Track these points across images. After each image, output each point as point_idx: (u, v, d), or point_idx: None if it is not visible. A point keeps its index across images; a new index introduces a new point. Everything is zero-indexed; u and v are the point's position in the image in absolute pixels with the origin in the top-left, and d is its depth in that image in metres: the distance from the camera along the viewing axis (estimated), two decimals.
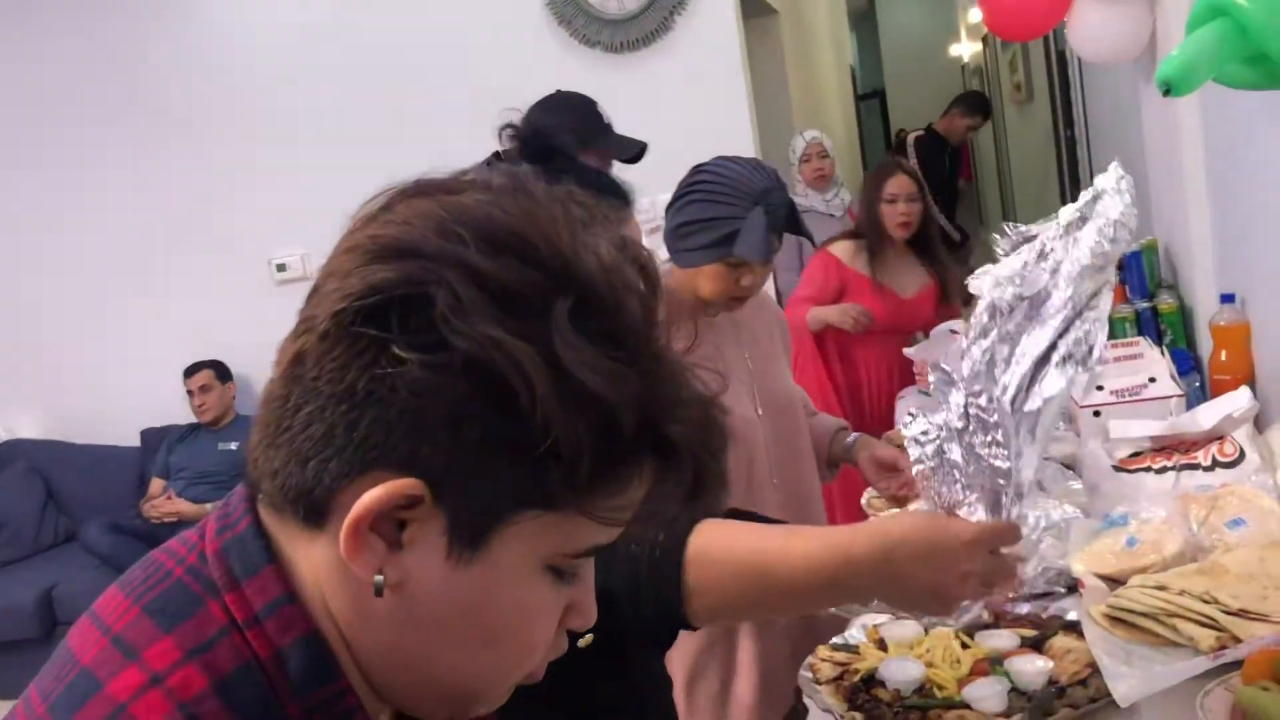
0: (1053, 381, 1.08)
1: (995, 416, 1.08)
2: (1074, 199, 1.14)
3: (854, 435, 2.15)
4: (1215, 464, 1.98)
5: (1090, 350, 1.07)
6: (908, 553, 1.00)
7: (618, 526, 0.66)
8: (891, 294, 3.74)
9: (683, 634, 1.36)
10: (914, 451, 1.17)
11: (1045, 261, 1.10)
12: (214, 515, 0.67)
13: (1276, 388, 2.28)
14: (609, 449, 0.61)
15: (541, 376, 0.58)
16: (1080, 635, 1.66)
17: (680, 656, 1.93)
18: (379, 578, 0.61)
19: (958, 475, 1.16)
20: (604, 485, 0.63)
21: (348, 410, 0.59)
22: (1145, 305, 3.00)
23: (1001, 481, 1.12)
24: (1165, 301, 2.97)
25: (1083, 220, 1.10)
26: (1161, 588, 1.60)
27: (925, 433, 1.19)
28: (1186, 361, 2.71)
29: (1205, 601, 1.55)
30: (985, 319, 1.13)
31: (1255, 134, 2.18)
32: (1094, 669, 1.57)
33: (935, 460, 1.16)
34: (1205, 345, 2.67)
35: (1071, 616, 1.77)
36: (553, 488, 0.61)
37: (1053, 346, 1.07)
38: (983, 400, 1.09)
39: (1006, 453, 1.09)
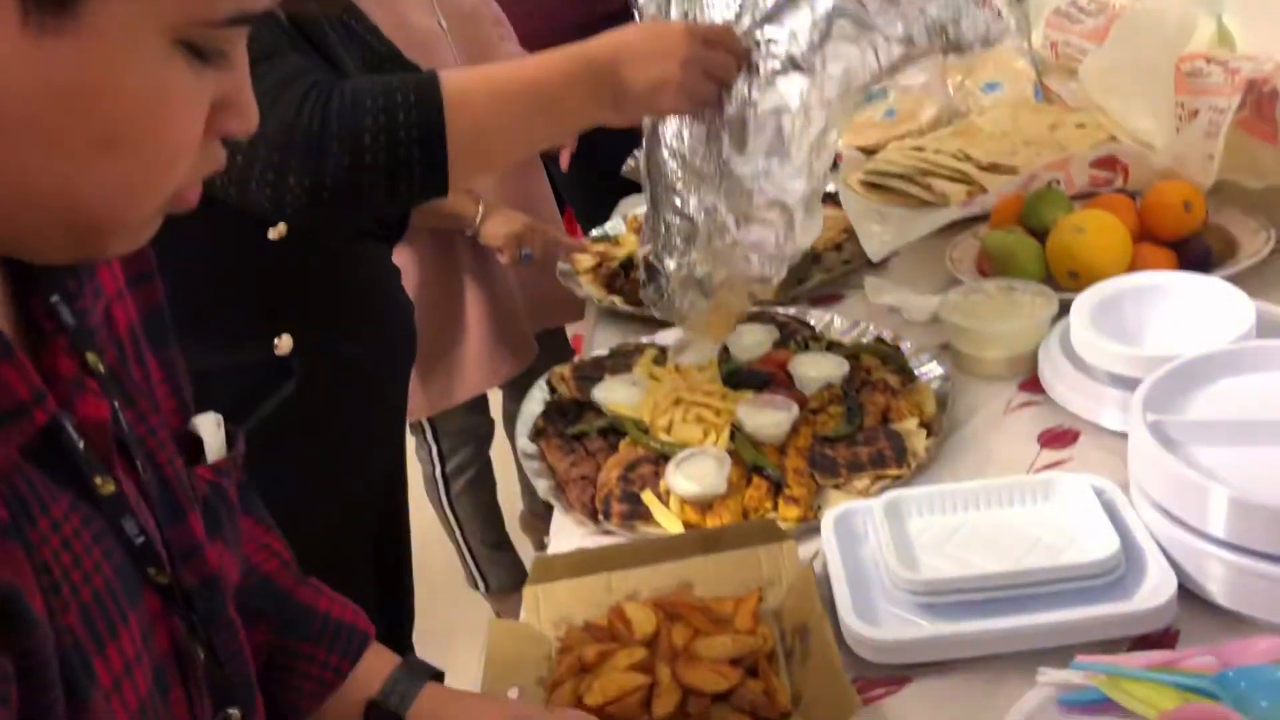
0: None
1: None
2: None
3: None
4: None
5: None
6: (635, 50, 1.02)
7: None
8: None
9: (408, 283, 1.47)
10: None
11: None
12: None
13: None
14: None
15: None
16: (838, 205, 1.63)
17: (420, 308, 1.80)
18: None
19: None
20: None
21: None
22: None
23: None
24: None
25: None
26: (918, 149, 1.58)
27: None
28: None
29: (958, 159, 1.53)
30: None
31: None
32: (849, 234, 1.55)
33: None
34: None
35: (830, 189, 1.74)
36: None
37: None
38: None
39: None
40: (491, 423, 2.17)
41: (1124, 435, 1.04)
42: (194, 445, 0.67)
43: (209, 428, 0.68)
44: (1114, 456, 1.04)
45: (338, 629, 0.79)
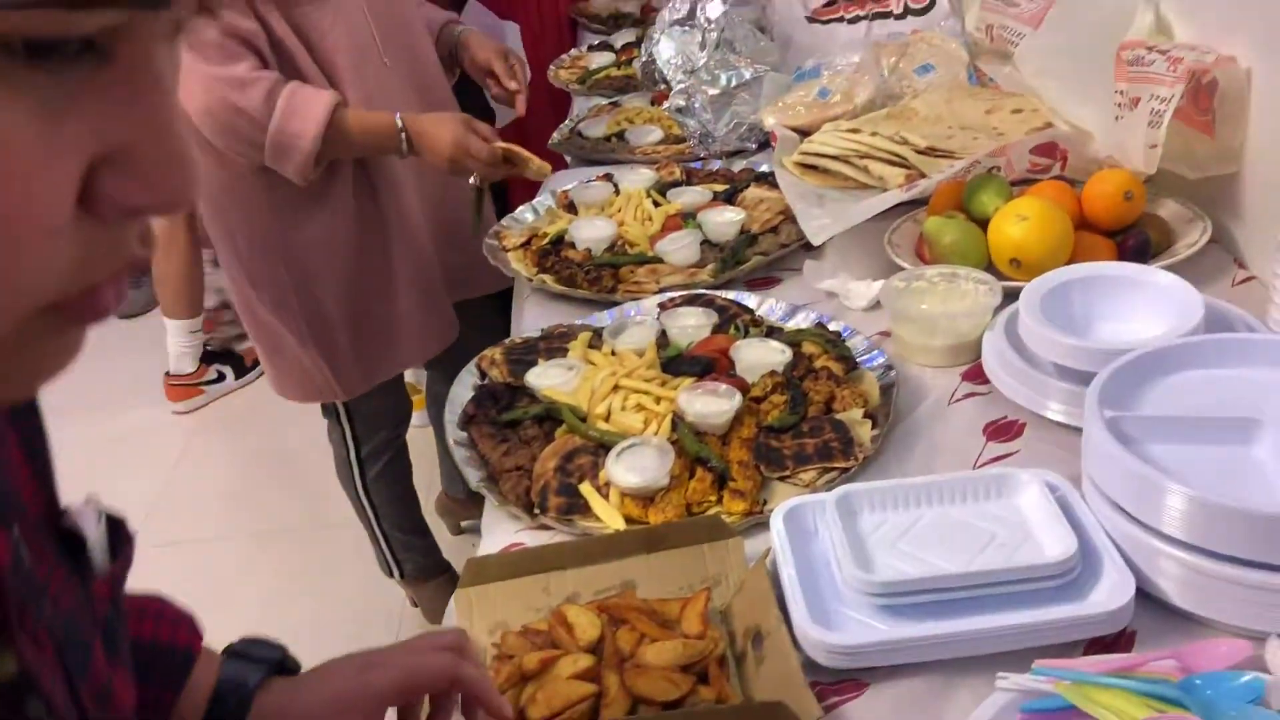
0: None
1: None
2: None
3: (460, 28, 1.87)
4: (907, 11, 1.91)
5: None
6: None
7: None
8: None
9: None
10: None
11: None
12: None
13: None
14: None
15: None
16: (773, 186, 1.60)
17: (335, 285, 1.73)
18: None
19: None
20: None
21: None
22: None
23: None
24: None
25: None
26: (854, 131, 1.55)
27: None
28: None
29: (895, 142, 1.51)
30: None
31: None
32: (785, 217, 1.52)
33: None
34: None
35: (764, 169, 1.71)
36: None
37: None
38: None
39: None
40: (409, 402, 2.10)
41: (1070, 428, 1.03)
42: (70, 542, 0.52)
43: (90, 523, 0.52)
44: (1062, 450, 1.02)
45: (155, 655, 0.67)
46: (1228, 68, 1.26)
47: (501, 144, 1.61)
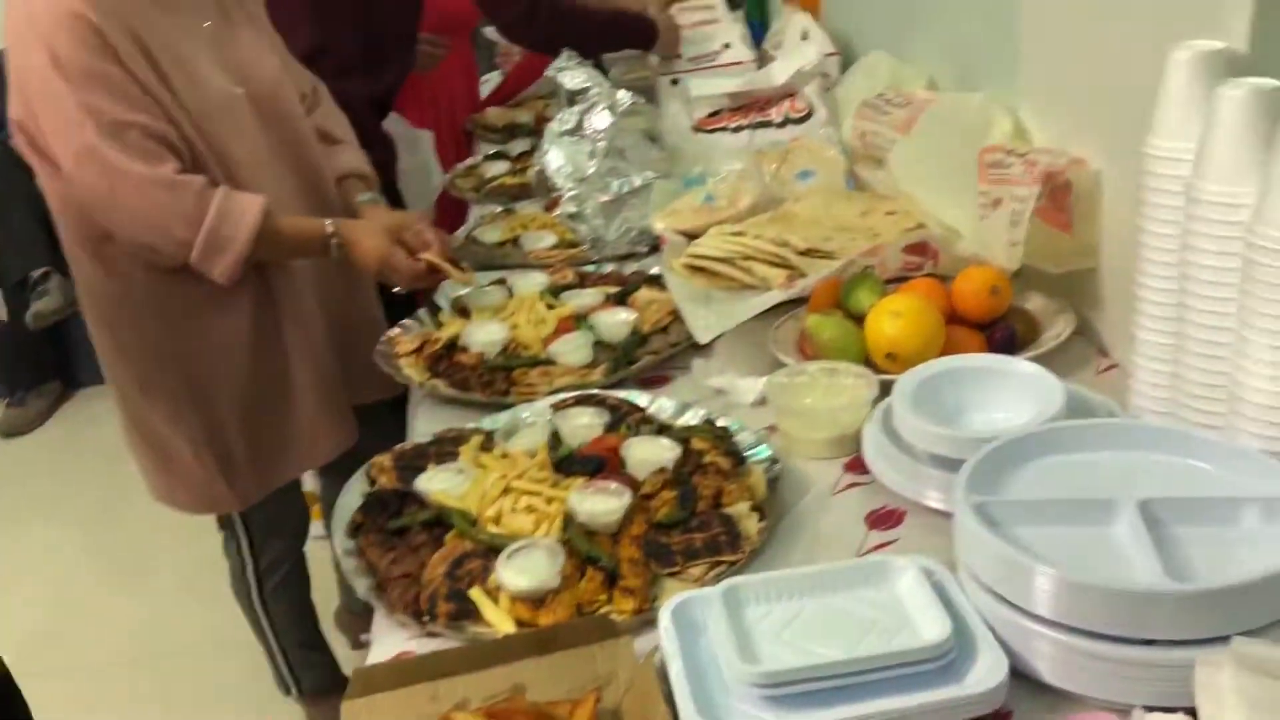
0: None
1: None
2: None
3: (367, 195, 1.85)
4: (787, 120, 2.00)
5: None
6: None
7: None
8: None
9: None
10: None
11: None
12: None
13: (845, 43, 2.34)
14: None
15: None
16: (663, 288, 1.64)
17: (232, 392, 1.72)
18: None
19: None
20: None
21: None
22: None
23: None
24: None
25: None
26: (739, 234, 1.60)
27: None
28: (760, 32, 2.72)
29: (777, 244, 1.56)
30: None
31: None
32: (675, 317, 1.56)
33: None
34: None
35: (655, 272, 1.75)
36: None
37: None
38: None
39: None
40: (307, 512, 2.06)
41: (948, 515, 1.07)
42: None
43: None
44: (940, 536, 1.05)
45: None
46: (1080, 169, 1.35)
47: (427, 256, 1.65)
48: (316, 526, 2.22)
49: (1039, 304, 1.41)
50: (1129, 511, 0.90)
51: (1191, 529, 0.90)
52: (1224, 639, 0.80)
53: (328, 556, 2.29)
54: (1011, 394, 1.13)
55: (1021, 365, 1.16)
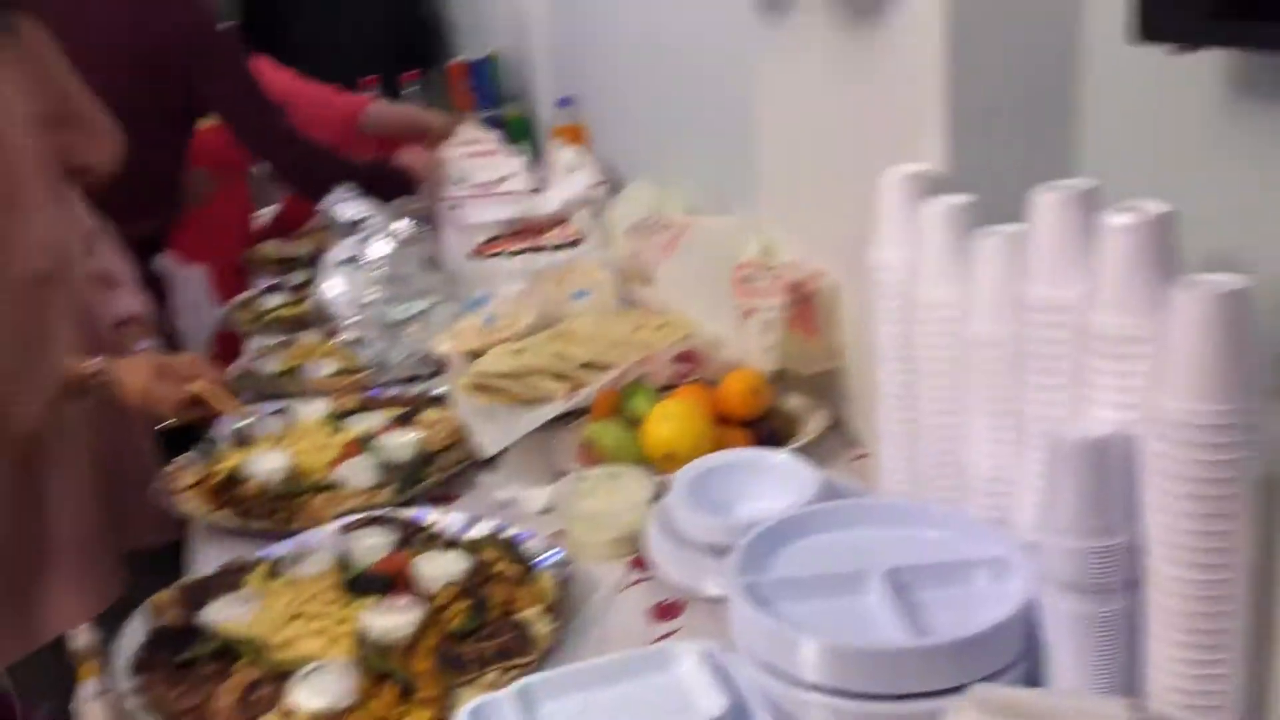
0: None
1: None
2: None
3: (146, 342, 1.84)
4: (561, 245, 2.11)
5: None
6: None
7: None
8: None
9: None
10: None
11: None
12: None
13: (612, 171, 2.49)
14: None
15: None
16: (449, 407, 1.68)
17: None
18: None
19: None
20: None
21: None
22: (493, 113, 3.10)
23: None
24: (511, 110, 3.10)
25: None
26: (520, 351, 1.67)
27: None
28: (533, 163, 2.85)
29: (558, 359, 1.64)
30: None
31: None
32: (461, 434, 1.60)
33: None
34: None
35: (440, 392, 1.80)
36: None
37: None
38: None
39: None
40: (74, 669, 1.94)
41: (724, 601, 1.14)
42: None
43: None
44: (718, 621, 1.12)
45: None
46: (820, 280, 1.50)
47: (194, 386, 1.63)
48: (96, 683, 2.08)
49: (797, 402, 1.53)
50: (877, 581, 1.00)
51: (932, 592, 1.00)
52: (966, 686, 0.90)
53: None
54: (775, 484, 1.23)
55: (780, 457, 1.27)
